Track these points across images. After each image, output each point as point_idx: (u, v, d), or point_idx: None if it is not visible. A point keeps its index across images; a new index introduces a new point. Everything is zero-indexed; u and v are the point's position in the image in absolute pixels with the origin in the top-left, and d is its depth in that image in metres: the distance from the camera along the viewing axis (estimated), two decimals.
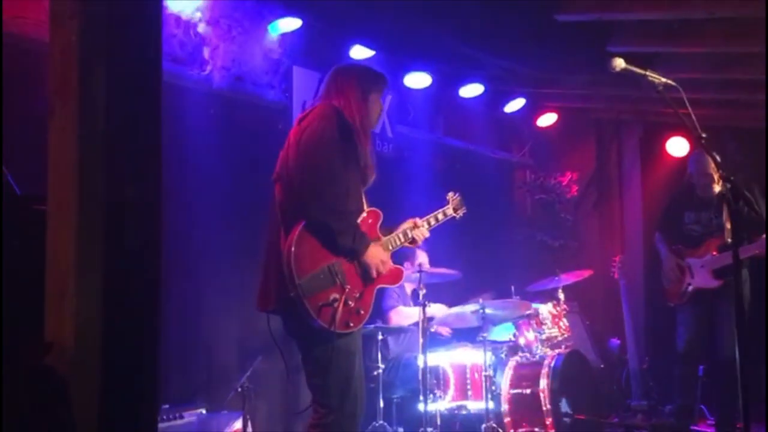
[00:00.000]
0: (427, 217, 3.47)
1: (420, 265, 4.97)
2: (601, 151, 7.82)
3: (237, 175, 5.15)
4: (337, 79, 3.15)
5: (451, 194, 3.67)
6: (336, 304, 2.82)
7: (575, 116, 7.47)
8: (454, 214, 3.62)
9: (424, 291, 4.73)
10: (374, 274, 2.98)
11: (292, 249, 2.79)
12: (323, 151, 2.87)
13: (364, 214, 3.09)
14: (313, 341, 2.89)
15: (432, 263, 5.35)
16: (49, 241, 2.01)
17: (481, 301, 4.98)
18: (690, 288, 5.05)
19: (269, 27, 5.04)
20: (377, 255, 2.99)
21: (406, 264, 5.21)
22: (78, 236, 1.97)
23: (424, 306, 4.68)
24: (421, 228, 3.37)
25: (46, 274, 2.00)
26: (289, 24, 5.05)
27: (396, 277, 3.16)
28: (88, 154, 1.99)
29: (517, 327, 5.39)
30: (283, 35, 5.15)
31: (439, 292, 5.36)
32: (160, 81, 2.20)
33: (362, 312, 2.92)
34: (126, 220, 2.05)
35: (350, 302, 2.88)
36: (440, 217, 3.54)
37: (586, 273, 5.75)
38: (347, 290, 2.86)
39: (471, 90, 6.44)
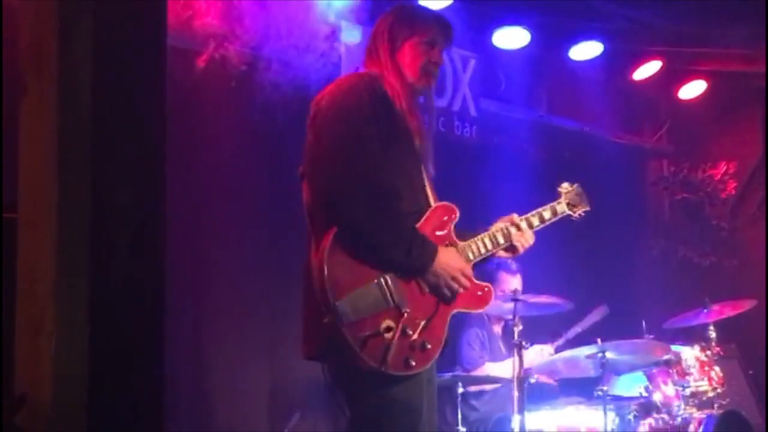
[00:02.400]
0: (527, 214, 3.28)
1: (514, 291, 4.93)
2: None
3: (272, 178, 5.22)
4: (372, 33, 3.18)
5: (566, 185, 3.48)
6: (389, 335, 2.76)
7: (733, 85, 7.34)
8: (570, 212, 3.42)
9: (521, 327, 4.69)
10: (455, 288, 2.90)
11: (324, 262, 2.77)
12: (349, 133, 2.85)
13: (430, 212, 3.01)
14: (360, 391, 2.86)
15: (530, 288, 5.30)
16: (20, 262, 2.07)
17: (599, 342, 4.91)
18: None
19: None
20: (453, 262, 2.92)
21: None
22: (57, 255, 2.02)
23: (520, 348, 4.64)
24: (520, 228, 3.20)
25: (16, 305, 2.06)
26: None
27: (480, 299, 3.04)
28: (70, 146, 2.04)
29: (651, 378, 5.31)
30: None
31: (538, 328, 5.31)
32: (164, 50, 2.25)
33: (429, 346, 2.83)
34: (118, 232, 2.09)
35: (410, 332, 2.80)
36: (547, 215, 3.34)
37: (749, 303, 5.62)
38: (406, 315, 2.80)
39: (585, 50, 6.40)
